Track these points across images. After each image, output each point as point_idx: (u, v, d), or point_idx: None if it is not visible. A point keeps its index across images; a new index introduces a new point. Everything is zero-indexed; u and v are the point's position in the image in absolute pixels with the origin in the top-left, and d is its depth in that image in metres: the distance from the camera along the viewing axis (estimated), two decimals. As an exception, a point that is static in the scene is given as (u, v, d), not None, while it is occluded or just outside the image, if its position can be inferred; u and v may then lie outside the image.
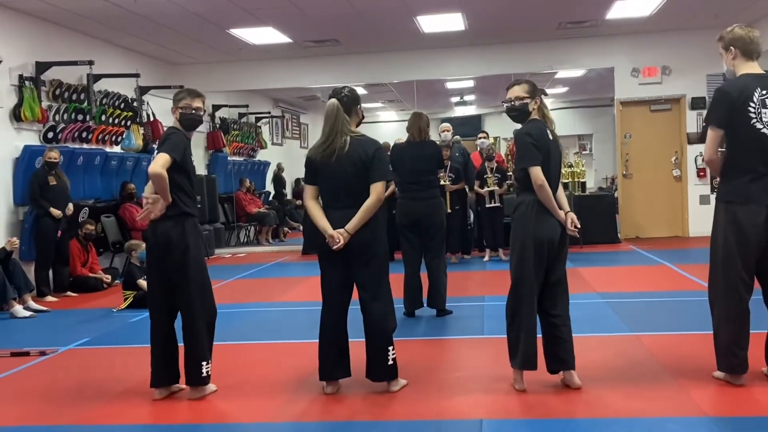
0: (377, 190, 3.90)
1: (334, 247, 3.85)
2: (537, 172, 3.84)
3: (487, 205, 9.72)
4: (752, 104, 3.75)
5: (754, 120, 3.75)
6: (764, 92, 3.77)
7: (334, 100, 3.95)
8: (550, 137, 3.93)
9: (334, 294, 4.01)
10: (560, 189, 4.03)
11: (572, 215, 3.92)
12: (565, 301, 3.97)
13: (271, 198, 15.94)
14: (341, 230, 3.86)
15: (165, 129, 4.19)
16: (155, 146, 7.80)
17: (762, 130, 3.75)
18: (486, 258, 9.86)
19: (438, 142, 9.54)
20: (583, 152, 20.18)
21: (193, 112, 4.14)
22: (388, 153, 5.96)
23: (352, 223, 3.86)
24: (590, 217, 10.61)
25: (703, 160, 4.08)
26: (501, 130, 19.07)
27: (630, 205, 11.80)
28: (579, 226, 3.92)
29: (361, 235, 3.89)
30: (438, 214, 6.19)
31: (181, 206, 4.03)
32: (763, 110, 3.76)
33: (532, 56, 11.93)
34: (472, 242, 10.20)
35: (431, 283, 6.17)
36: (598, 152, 20.67)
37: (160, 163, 3.91)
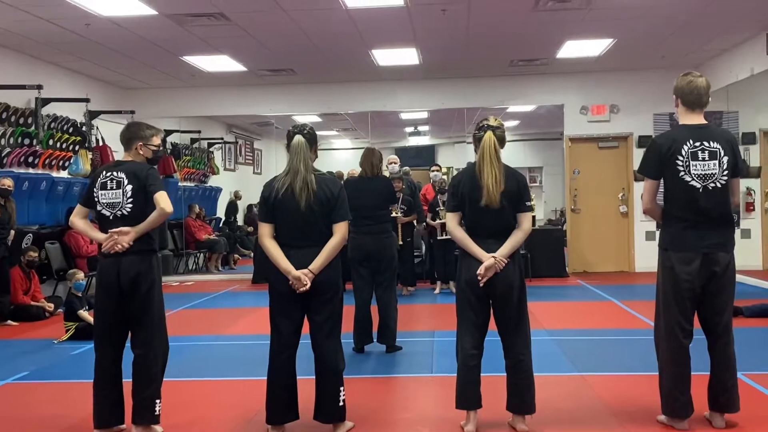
0: (341, 230, 3.91)
1: (301, 289, 3.80)
2: (448, 219, 4.08)
3: (439, 237, 9.75)
4: (680, 157, 3.88)
5: (682, 173, 3.88)
6: (696, 144, 3.89)
7: (300, 137, 3.95)
8: (486, 176, 3.93)
9: (288, 336, 3.94)
10: (516, 232, 3.97)
11: (489, 262, 3.86)
12: (518, 343, 3.99)
13: (221, 224, 15.77)
14: (305, 271, 3.81)
15: (130, 162, 4.15)
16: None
17: (690, 183, 3.87)
18: (437, 290, 9.88)
19: (392, 174, 9.67)
20: (533, 185, 20.46)
21: (159, 149, 4.20)
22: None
23: (317, 263, 3.83)
24: (539, 250, 10.80)
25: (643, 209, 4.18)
26: (455, 160, 19.20)
27: (578, 240, 11.99)
28: (488, 274, 3.87)
29: (324, 275, 3.86)
30: (389, 249, 6.23)
31: (150, 242, 4.03)
32: (693, 162, 3.87)
33: (484, 91, 12.11)
34: (414, 274, 10.19)
35: (382, 318, 6.17)
36: (547, 185, 20.92)
37: (169, 201, 3.99)
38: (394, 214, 9.01)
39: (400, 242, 9.10)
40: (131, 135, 4.18)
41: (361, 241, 6.14)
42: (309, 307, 3.92)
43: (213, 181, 16.01)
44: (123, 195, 4.01)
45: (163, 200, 3.96)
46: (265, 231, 3.95)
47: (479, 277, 3.87)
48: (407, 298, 9.45)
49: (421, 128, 18.73)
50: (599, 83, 11.85)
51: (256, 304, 9.50)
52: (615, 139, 11.94)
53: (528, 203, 4.01)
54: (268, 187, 3.96)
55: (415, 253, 10.45)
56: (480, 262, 3.89)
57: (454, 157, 18.88)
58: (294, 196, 3.86)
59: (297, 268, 3.81)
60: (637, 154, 11.79)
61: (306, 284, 3.78)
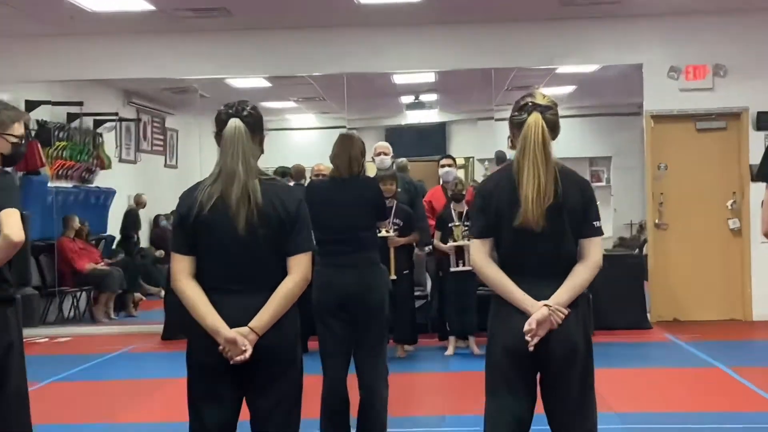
0: (301, 267, 3.88)
1: (236, 358, 3.77)
2: (471, 248, 4.10)
3: (452, 269, 9.75)
4: None
5: None
6: None
7: (237, 122, 3.91)
8: (526, 183, 3.94)
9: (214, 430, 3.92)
10: (578, 267, 4.00)
11: (541, 314, 3.87)
12: None
13: (115, 247, 15.71)
14: (244, 330, 3.77)
15: None
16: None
17: None
18: (449, 351, 9.88)
19: (380, 171, 9.67)
20: (597, 184, 20.49)
21: (22, 141, 4.22)
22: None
23: (263, 319, 3.79)
24: (607, 287, 10.72)
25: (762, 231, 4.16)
26: (477, 147, 19.18)
27: (665, 272, 11.99)
28: (539, 332, 3.89)
29: (273, 337, 3.82)
30: (376, 291, 6.19)
31: (1, 285, 4.06)
32: None
33: (522, 43, 12.19)
34: (415, 325, 10.18)
35: (364, 398, 6.14)
36: (618, 185, 20.91)
37: (19, 225, 3.98)
38: (383, 234, 9.01)
39: (393, 276, 9.06)
40: None
41: (332, 278, 6.10)
42: (249, 385, 3.89)
43: (102, 180, 15.92)
44: None
45: (9, 222, 3.94)
46: (182, 267, 3.90)
47: (527, 338, 3.86)
48: (404, 362, 9.45)
49: (424, 99, 18.71)
50: (697, 32, 11.93)
51: (169, 372, 9.39)
52: (721, 118, 12.02)
53: (596, 224, 4.02)
54: (188, 200, 3.91)
55: (416, 293, 10.44)
56: (525, 315, 3.88)
57: (477, 143, 18.85)
58: (227, 215, 3.82)
59: (231, 326, 3.77)
60: (756, 140, 11.84)
61: (245, 351, 3.76)
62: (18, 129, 4.19)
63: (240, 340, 3.73)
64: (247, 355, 3.73)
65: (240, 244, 3.83)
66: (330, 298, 6.12)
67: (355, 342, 6.18)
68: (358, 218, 6.22)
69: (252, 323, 3.77)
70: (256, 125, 3.99)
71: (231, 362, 3.76)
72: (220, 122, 3.95)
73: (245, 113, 3.95)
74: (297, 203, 3.93)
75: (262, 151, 4.07)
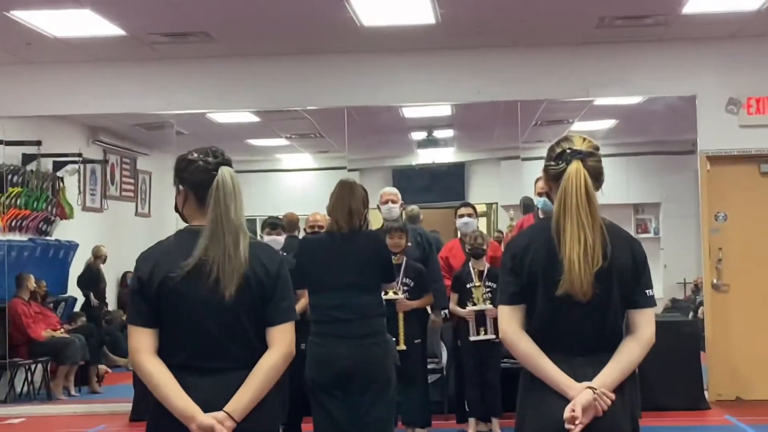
0: (285, 339, 3.87)
1: None
2: (500, 317, 4.01)
3: (472, 338, 9.70)
4: None
5: None
6: None
7: (230, 170, 3.91)
8: (570, 244, 3.90)
9: None
10: (628, 344, 3.95)
11: (585, 397, 3.84)
12: None
13: (76, 309, 15.69)
14: (221, 415, 3.74)
15: None
16: None
17: None
18: (469, 436, 9.81)
19: (388, 223, 9.66)
20: (644, 235, 20.48)
21: None
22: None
23: (243, 401, 3.76)
24: (656, 360, 10.60)
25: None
26: (499, 193, 19.22)
27: (726, 341, 11.90)
28: (583, 419, 3.84)
29: (253, 424, 3.79)
30: (381, 365, 6.29)
31: None
32: None
33: (553, 72, 12.19)
34: (428, 404, 10.12)
35: None
36: (669, 238, 20.91)
37: None
38: (390, 297, 9.01)
39: (402, 347, 9.12)
40: None
41: (329, 351, 6.13)
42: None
43: (63, 232, 15.96)
44: None
45: None
46: (142, 342, 3.86)
47: (567, 426, 3.79)
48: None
49: (439, 135, 18.77)
50: (760, 59, 11.93)
51: (138, 461, 9.38)
52: (791, 158, 12.00)
53: (649, 292, 3.98)
54: (150, 261, 3.90)
55: (429, 366, 10.37)
56: (563, 398, 3.83)
57: (500, 187, 18.90)
58: (207, 281, 3.79)
59: (205, 410, 3.74)
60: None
61: None
62: None
63: (218, 428, 3.69)
64: None
65: (218, 314, 3.81)
66: (326, 374, 6.15)
67: (356, 426, 6.16)
68: (359, 280, 6.23)
69: (228, 407, 3.74)
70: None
71: None
72: (201, 171, 3.93)
73: (228, 160, 3.99)
74: (278, 264, 3.94)
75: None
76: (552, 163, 4.00)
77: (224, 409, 3.73)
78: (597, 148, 4.01)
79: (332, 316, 6.16)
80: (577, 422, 3.75)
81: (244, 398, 3.77)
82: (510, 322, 3.97)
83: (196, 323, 3.83)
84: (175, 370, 3.82)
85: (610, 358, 3.89)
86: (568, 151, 3.95)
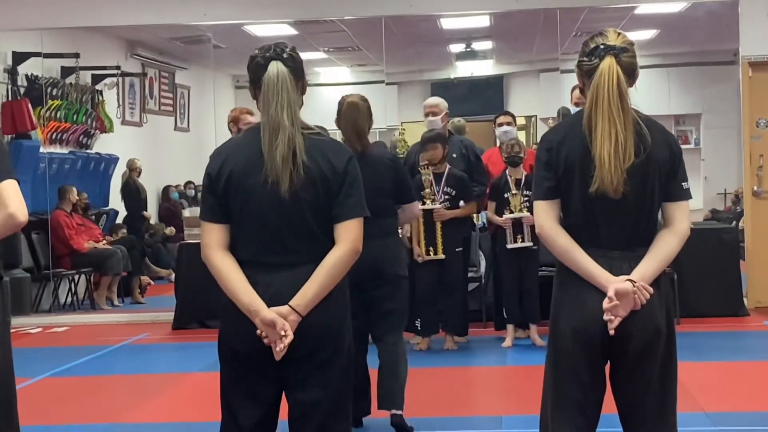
0: (352, 235, 3.87)
1: (279, 347, 3.76)
2: (537, 212, 4.03)
3: (509, 245, 9.72)
4: None
5: None
6: None
7: (279, 65, 3.90)
8: (601, 140, 3.90)
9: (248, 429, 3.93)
10: (664, 236, 3.99)
11: (624, 287, 3.83)
12: None
13: (118, 222, 15.82)
14: (285, 309, 3.78)
15: None
16: None
17: None
18: (507, 342, 9.86)
19: (425, 133, 9.67)
20: (684, 146, 20.37)
21: None
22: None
23: (307, 296, 3.79)
24: (695, 268, 10.70)
25: None
26: (539, 104, 19.18)
27: (765, 249, 11.90)
28: (620, 312, 3.86)
29: (319, 318, 3.83)
30: (392, 263, 6.48)
31: None
32: None
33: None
34: (466, 313, 10.17)
35: (382, 374, 6.51)
36: (710, 147, 20.84)
37: (22, 200, 3.99)
38: (428, 206, 9.07)
39: (441, 256, 9.26)
40: None
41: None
42: (289, 376, 3.91)
43: (103, 145, 16.06)
44: None
45: (11, 198, 3.94)
46: (213, 238, 3.92)
47: (606, 317, 3.84)
48: (455, 355, 9.47)
49: (477, 47, 18.72)
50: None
51: (180, 366, 9.52)
52: (833, 65, 11.90)
53: (684, 185, 3.99)
54: (218, 159, 3.95)
55: (469, 274, 10.42)
56: (599, 293, 3.86)
57: (540, 100, 18.88)
58: (269, 175, 3.83)
59: (270, 305, 3.79)
60: None
61: (285, 335, 3.75)
62: None
63: (279, 322, 3.72)
64: (288, 341, 3.73)
65: (282, 209, 3.85)
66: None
67: (371, 321, 6.53)
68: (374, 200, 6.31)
69: (293, 301, 3.77)
70: (298, 70, 3.98)
71: (275, 351, 3.75)
72: (258, 68, 3.94)
73: (285, 56, 3.94)
74: (346, 161, 3.92)
75: (302, 102, 4.06)
76: (585, 58, 3.97)
77: (289, 303, 3.77)
78: (632, 44, 3.98)
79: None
80: (615, 313, 3.78)
81: (309, 292, 3.78)
82: (547, 217, 3.98)
83: (260, 219, 3.87)
84: (245, 266, 3.87)
85: (646, 253, 3.91)
86: (602, 46, 3.92)
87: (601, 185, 3.84)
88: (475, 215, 10.18)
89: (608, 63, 3.89)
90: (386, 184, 6.45)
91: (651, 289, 3.83)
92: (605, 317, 3.79)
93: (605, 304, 3.79)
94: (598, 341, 3.86)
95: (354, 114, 6.58)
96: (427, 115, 10.14)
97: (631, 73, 3.95)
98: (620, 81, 3.87)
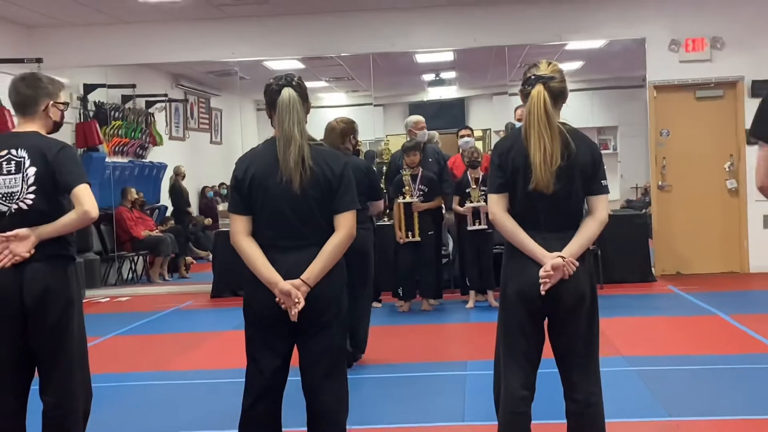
0: (347, 224, 3.92)
1: (294, 311, 3.78)
2: (490, 203, 4.08)
3: (470, 228, 9.74)
4: None
5: None
6: None
7: (291, 91, 3.94)
8: (534, 150, 3.90)
9: (271, 376, 3.93)
10: (587, 222, 4.01)
11: (556, 261, 3.85)
12: (588, 379, 4.00)
13: (167, 215, 15.80)
14: (297, 282, 3.81)
15: (47, 139, 4.18)
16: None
17: None
18: (470, 304, 9.87)
19: (405, 143, 9.72)
20: (604, 151, 20.34)
21: (66, 108, 4.31)
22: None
23: (314, 271, 3.83)
24: (614, 244, 10.74)
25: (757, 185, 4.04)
26: (493, 119, 19.10)
27: (668, 229, 11.95)
28: (552, 279, 3.85)
29: (323, 288, 3.86)
30: (360, 243, 6.49)
31: (65, 244, 4.07)
32: None
33: (533, 22, 12.07)
34: (440, 282, 10.21)
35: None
36: (625, 152, 20.79)
37: (94, 200, 4.01)
38: (407, 200, 9.18)
39: (417, 238, 9.37)
40: (36, 92, 4.13)
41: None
42: (301, 332, 3.91)
43: (155, 155, 16.02)
44: (23, 181, 3.98)
45: (86, 198, 3.96)
46: (240, 227, 3.94)
47: (541, 281, 3.85)
48: (430, 315, 9.51)
49: (444, 76, 18.67)
50: (695, 7, 11.79)
51: (216, 326, 9.54)
52: (719, 86, 11.89)
53: (603, 182, 4.01)
54: (244, 164, 3.97)
55: (442, 251, 10.45)
56: (537, 264, 3.87)
57: (492, 116, 18.80)
58: (282, 176, 3.85)
59: (285, 279, 3.81)
60: (751, 107, 11.69)
61: (298, 302, 3.77)
62: (63, 97, 4.25)
63: (293, 292, 3.77)
64: (300, 306, 3.78)
65: (293, 204, 3.88)
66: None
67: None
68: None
69: (304, 275, 3.82)
70: (304, 94, 4.04)
71: (290, 314, 3.79)
72: (273, 93, 3.98)
73: (294, 83, 4.00)
74: (342, 166, 3.97)
75: (307, 120, 4.07)
76: (523, 86, 4.03)
77: (300, 277, 3.81)
78: (560, 72, 4.01)
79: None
80: (548, 279, 3.84)
81: (315, 269, 3.83)
82: (498, 207, 4.01)
83: (277, 211, 3.89)
84: (265, 249, 3.90)
85: (575, 234, 3.94)
86: (532, 77, 3.97)
87: (537, 184, 3.88)
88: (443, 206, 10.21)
89: (537, 90, 3.92)
90: (361, 186, 6.41)
91: (577, 263, 3.88)
92: (541, 280, 3.85)
93: (541, 272, 3.84)
94: (537, 301, 3.90)
95: (330, 135, 6.96)
96: (421, 128, 10.34)
97: (559, 95, 3.97)
98: (546, 104, 3.90)
